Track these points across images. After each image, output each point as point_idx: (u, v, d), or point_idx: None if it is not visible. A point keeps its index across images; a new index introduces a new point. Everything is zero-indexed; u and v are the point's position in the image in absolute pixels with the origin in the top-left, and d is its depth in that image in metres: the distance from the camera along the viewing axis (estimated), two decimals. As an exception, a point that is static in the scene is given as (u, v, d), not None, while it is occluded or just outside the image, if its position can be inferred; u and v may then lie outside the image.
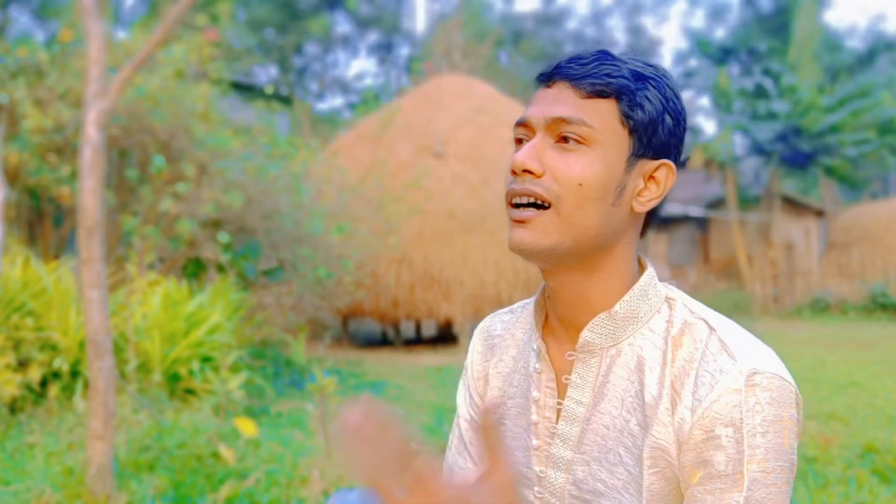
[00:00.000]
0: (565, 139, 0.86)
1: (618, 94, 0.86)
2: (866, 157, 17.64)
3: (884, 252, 16.45)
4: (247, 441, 4.64)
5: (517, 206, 0.88)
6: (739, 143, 19.04)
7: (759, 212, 18.56)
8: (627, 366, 0.91)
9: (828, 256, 17.34)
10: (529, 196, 0.86)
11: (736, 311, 15.27)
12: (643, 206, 0.90)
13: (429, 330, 13.10)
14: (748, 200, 19.20)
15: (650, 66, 0.90)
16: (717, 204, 19.77)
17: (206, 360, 5.82)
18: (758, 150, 18.22)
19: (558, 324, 0.97)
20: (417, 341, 12.21)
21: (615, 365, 0.91)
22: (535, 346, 1.00)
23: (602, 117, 0.86)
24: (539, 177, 0.86)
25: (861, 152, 17.14)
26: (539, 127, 0.87)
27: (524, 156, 0.85)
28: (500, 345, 1.09)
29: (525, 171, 0.86)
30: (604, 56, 0.88)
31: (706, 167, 18.82)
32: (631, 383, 0.90)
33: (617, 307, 0.91)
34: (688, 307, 0.94)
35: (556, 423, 0.96)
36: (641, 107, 0.87)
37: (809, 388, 7.10)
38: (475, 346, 1.13)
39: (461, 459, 1.09)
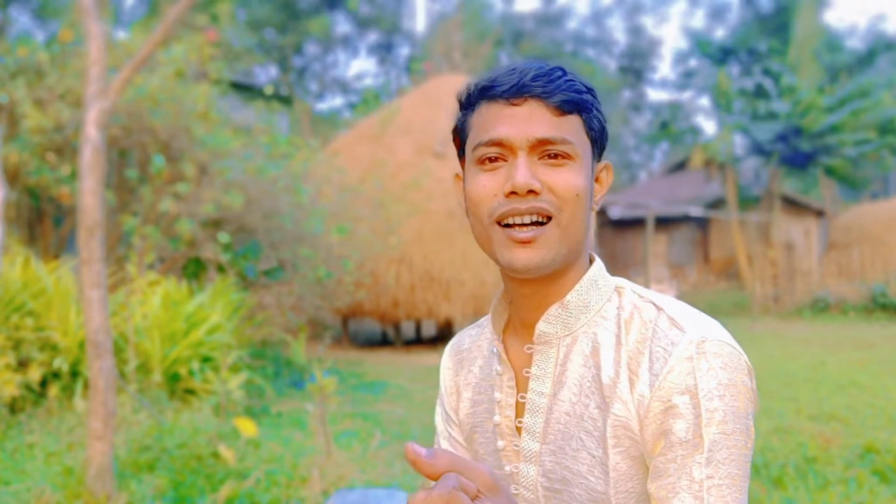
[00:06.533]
0: (551, 156, 0.90)
1: (580, 108, 0.92)
2: (866, 157, 17.64)
3: (884, 252, 16.44)
4: (247, 441, 4.64)
5: (512, 225, 0.90)
6: (739, 143, 19.04)
7: (759, 212, 18.56)
8: (583, 352, 0.95)
9: (828, 256, 17.33)
10: (536, 214, 0.89)
11: (736, 311, 15.27)
12: (597, 204, 0.98)
13: (429, 330, 13.09)
14: (748, 200, 19.20)
15: (575, 73, 0.96)
16: (717, 204, 19.77)
17: (206, 360, 5.82)
18: (758, 150, 18.21)
19: (519, 324, 1.01)
20: (417, 341, 12.20)
21: (571, 353, 0.95)
22: (495, 350, 1.04)
23: (575, 131, 0.92)
24: (538, 195, 0.89)
25: (861, 152, 17.13)
26: (521, 148, 0.90)
27: (526, 178, 0.88)
28: (468, 357, 1.13)
29: (530, 191, 0.89)
30: (561, 71, 0.93)
31: (706, 167, 18.82)
32: (588, 368, 0.94)
33: (569, 297, 0.95)
34: (636, 293, 0.97)
35: (517, 418, 1.00)
36: (597, 119, 0.95)
37: (809, 388, 7.10)
38: (445, 363, 1.17)
39: None
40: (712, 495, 0.83)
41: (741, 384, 0.86)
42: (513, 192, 0.89)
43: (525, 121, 0.90)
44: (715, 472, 0.84)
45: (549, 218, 0.90)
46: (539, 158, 0.90)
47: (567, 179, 0.90)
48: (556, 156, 0.90)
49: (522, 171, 0.89)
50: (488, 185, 0.91)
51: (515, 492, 1.00)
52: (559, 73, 0.92)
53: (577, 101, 0.91)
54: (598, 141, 0.96)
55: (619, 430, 0.89)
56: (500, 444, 1.02)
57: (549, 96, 0.90)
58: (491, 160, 0.92)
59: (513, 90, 0.91)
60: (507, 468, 1.01)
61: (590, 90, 0.95)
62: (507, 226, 0.90)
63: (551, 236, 0.90)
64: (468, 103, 0.97)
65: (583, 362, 0.94)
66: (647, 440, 0.88)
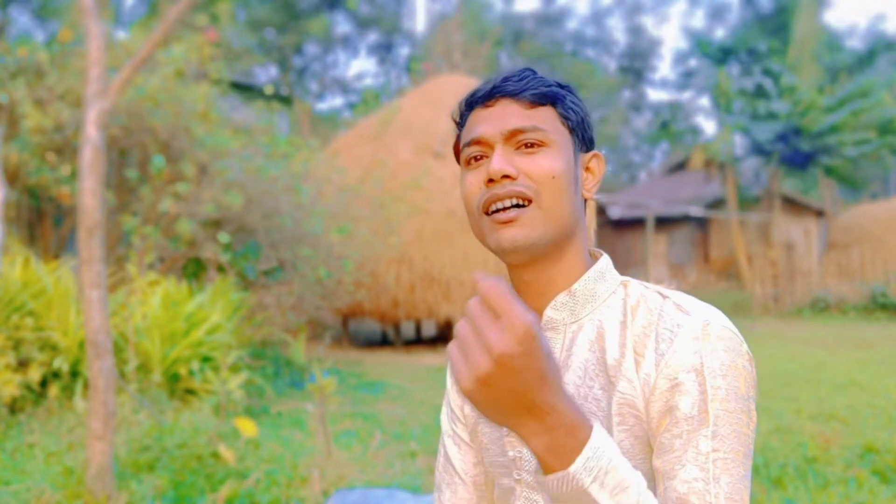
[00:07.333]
0: (526, 145, 0.96)
1: (553, 100, 0.99)
2: (866, 157, 17.63)
3: (884, 252, 16.44)
4: (247, 441, 4.64)
5: (497, 211, 0.96)
6: (739, 143, 19.03)
7: (759, 212, 18.56)
8: (588, 338, 0.99)
9: (828, 256, 17.33)
10: (513, 197, 0.95)
11: (736, 311, 15.26)
12: (589, 192, 1.03)
13: (429, 330, 13.09)
14: (748, 200, 19.19)
15: (551, 75, 1.03)
16: (717, 204, 19.77)
17: (206, 360, 5.82)
18: (758, 150, 18.21)
19: None
20: (417, 341, 12.20)
21: (577, 338, 0.99)
22: None
23: (549, 121, 0.98)
24: (514, 179, 0.95)
25: (861, 152, 17.13)
26: (496, 141, 0.97)
27: (499, 164, 0.95)
28: None
29: (504, 176, 0.95)
30: (531, 72, 1.00)
31: (706, 167, 18.82)
32: (592, 353, 0.97)
33: (576, 286, 1.00)
34: (642, 285, 1.02)
35: None
36: (573, 110, 1.00)
37: (809, 388, 7.10)
38: None
39: (447, 476, 1.17)
40: (717, 467, 0.86)
41: (742, 368, 0.90)
42: (491, 180, 0.95)
43: (498, 117, 0.98)
44: (720, 445, 0.86)
45: (530, 201, 0.95)
46: (516, 149, 0.97)
47: (541, 164, 0.95)
48: (531, 144, 0.96)
49: (496, 159, 0.96)
50: (473, 180, 0.99)
51: (518, 476, 1.03)
52: (529, 73, 1.00)
53: (546, 93, 0.98)
54: (578, 131, 1.01)
55: (625, 408, 0.92)
56: (505, 429, 1.03)
57: (518, 93, 0.97)
58: (476, 159, 1.00)
59: (486, 94, 1.00)
60: (511, 453, 1.03)
61: (564, 87, 1.01)
62: (493, 212, 0.96)
63: (534, 217, 0.95)
64: (460, 120, 1.05)
65: (588, 347, 0.98)
66: (652, 417, 0.90)
